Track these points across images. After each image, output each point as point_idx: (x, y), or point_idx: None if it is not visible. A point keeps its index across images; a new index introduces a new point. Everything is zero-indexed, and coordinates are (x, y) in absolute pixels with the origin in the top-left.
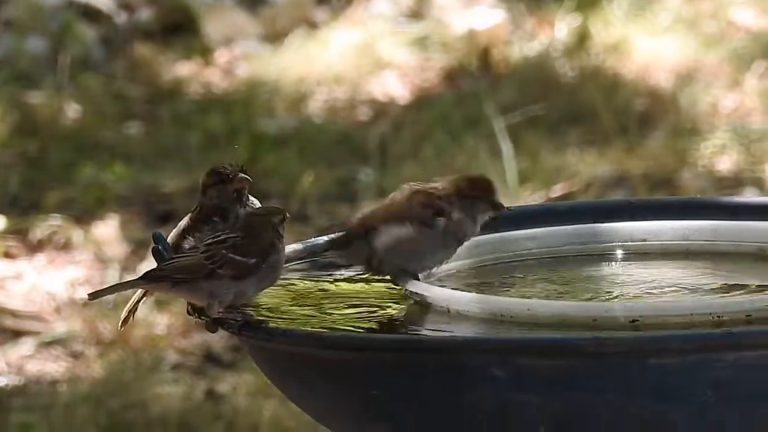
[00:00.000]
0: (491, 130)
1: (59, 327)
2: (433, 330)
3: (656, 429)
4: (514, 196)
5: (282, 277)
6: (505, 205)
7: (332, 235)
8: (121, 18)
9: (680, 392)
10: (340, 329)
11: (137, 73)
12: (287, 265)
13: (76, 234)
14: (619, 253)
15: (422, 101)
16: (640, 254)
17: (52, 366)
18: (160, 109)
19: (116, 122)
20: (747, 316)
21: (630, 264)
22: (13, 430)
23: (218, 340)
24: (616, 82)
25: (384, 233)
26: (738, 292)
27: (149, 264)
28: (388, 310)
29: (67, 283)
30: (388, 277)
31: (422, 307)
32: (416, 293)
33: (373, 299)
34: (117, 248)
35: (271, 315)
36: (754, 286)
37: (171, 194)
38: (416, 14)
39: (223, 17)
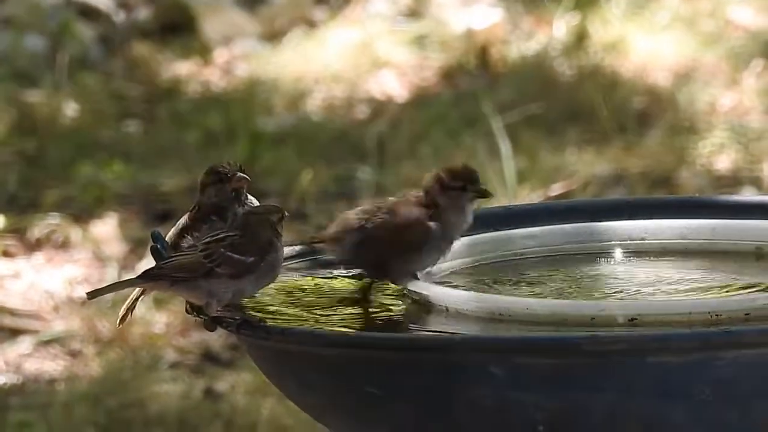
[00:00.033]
0: (489, 129)
1: (57, 326)
2: (431, 329)
3: (654, 427)
4: (513, 195)
5: (281, 275)
6: (503, 205)
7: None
8: (119, 17)
9: (679, 391)
10: (338, 328)
11: (136, 72)
12: (286, 263)
13: (75, 233)
14: (618, 251)
15: (420, 100)
16: (638, 253)
17: (51, 365)
18: (159, 108)
19: (115, 121)
20: (745, 314)
21: (628, 263)
22: (11, 429)
23: (217, 338)
24: (614, 81)
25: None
26: (736, 291)
27: (148, 263)
28: (387, 309)
29: (65, 281)
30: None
31: (421, 305)
32: (415, 292)
33: (371, 297)
34: (115, 247)
35: (268, 314)
36: (752, 285)
37: (169, 193)
38: (414, 13)
39: (222, 16)
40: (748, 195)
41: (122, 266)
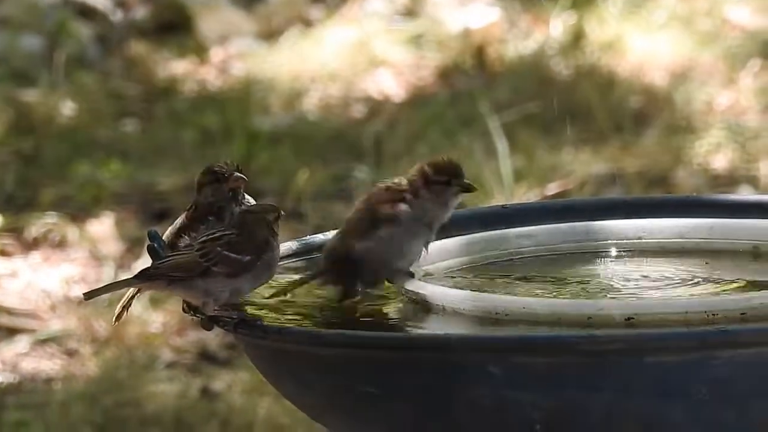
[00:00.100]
0: (486, 129)
1: (54, 325)
2: (429, 328)
3: (652, 427)
4: (510, 194)
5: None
6: (501, 204)
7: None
8: (116, 16)
9: (676, 390)
10: (335, 327)
11: (133, 71)
12: (282, 263)
13: (72, 232)
14: (615, 251)
15: (417, 99)
16: (635, 252)
17: (47, 364)
18: (156, 107)
19: (112, 120)
20: (742, 314)
21: (625, 262)
22: (7, 428)
23: (213, 337)
24: (611, 81)
25: (359, 250)
26: (733, 290)
27: (144, 262)
28: (384, 308)
29: (62, 280)
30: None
31: (418, 305)
32: (412, 291)
33: (368, 297)
34: (112, 246)
35: (266, 313)
36: (749, 284)
37: (166, 192)
38: (411, 12)
39: (218, 15)
40: (745, 194)
41: (119, 265)
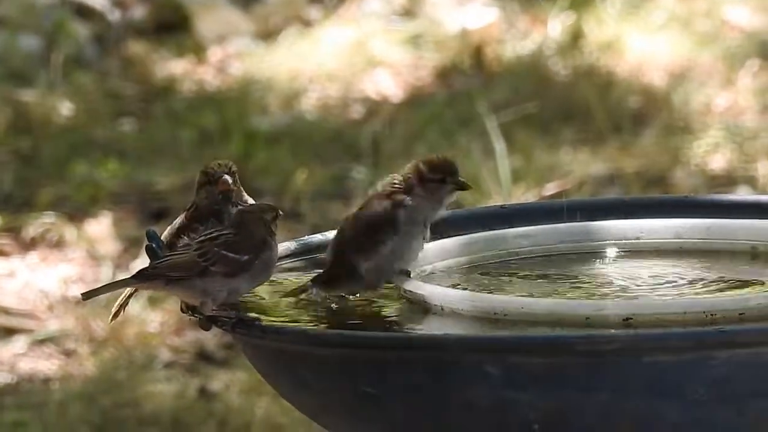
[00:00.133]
0: (484, 129)
1: (52, 325)
2: (426, 328)
3: (649, 427)
4: (508, 195)
5: (276, 274)
6: (499, 204)
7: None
8: (114, 16)
9: (673, 390)
10: (333, 327)
11: (130, 70)
12: (281, 263)
13: (69, 231)
14: (613, 251)
15: (415, 99)
16: (633, 252)
17: (45, 364)
18: (154, 106)
19: (109, 120)
20: (740, 314)
21: (623, 262)
22: (5, 428)
23: (211, 337)
24: (609, 81)
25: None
26: (731, 291)
27: (142, 262)
28: (383, 308)
29: (60, 280)
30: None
31: (416, 305)
32: (410, 291)
33: (367, 297)
34: (110, 246)
35: (264, 312)
36: (746, 284)
37: (164, 192)
38: (409, 13)
39: (216, 15)
40: (742, 194)
41: (117, 265)
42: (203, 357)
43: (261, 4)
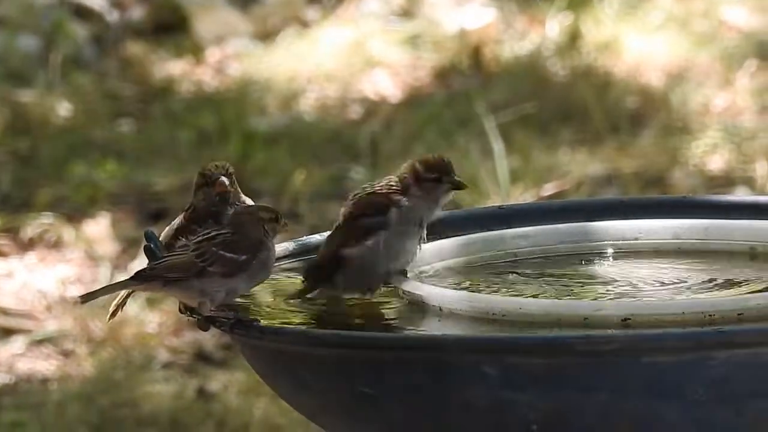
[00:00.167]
0: (482, 129)
1: (50, 325)
2: (425, 328)
3: (648, 427)
4: (506, 195)
5: (274, 274)
6: (498, 205)
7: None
8: (112, 16)
9: (672, 390)
10: (331, 327)
11: (129, 71)
12: (279, 263)
13: (68, 232)
14: (611, 251)
15: (413, 100)
16: (631, 253)
17: (43, 364)
18: (152, 107)
19: (108, 120)
20: (738, 314)
21: (622, 262)
22: (4, 429)
23: (209, 338)
24: (607, 81)
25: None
26: (729, 291)
27: (141, 262)
28: (381, 309)
29: (58, 281)
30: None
31: (414, 305)
32: (408, 292)
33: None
34: (108, 246)
35: (262, 312)
36: (745, 285)
37: (162, 192)
38: (407, 13)
39: (215, 16)
40: (740, 195)
41: (115, 266)
42: (201, 357)
43: (259, 5)
